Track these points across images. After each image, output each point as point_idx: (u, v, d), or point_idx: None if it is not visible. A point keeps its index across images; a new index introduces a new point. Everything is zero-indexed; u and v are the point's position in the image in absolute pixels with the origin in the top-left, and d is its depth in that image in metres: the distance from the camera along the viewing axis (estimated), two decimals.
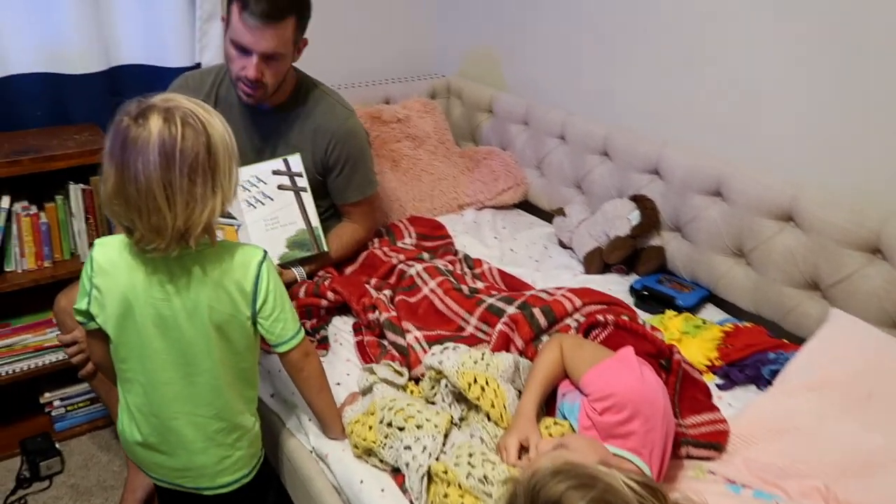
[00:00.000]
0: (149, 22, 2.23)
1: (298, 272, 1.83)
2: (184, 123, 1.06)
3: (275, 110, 1.83)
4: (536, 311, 1.52)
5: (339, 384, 1.55)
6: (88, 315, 1.21)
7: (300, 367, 1.30)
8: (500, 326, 1.52)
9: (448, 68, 2.85)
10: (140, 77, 2.29)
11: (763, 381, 1.56)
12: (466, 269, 1.96)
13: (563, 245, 2.20)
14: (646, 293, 1.89)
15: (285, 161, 1.81)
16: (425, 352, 1.50)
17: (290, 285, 1.82)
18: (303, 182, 1.82)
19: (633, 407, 1.15)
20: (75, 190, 2.04)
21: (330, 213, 1.98)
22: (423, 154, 2.42)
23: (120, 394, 1.28)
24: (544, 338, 1.51)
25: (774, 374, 1.53)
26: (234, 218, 1.79)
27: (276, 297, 1.23)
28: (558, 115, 2.30)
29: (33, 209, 1.99)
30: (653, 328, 1.59)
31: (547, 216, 2.38)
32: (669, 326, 1.70)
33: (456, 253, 2.06)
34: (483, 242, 2.21)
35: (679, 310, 1.82)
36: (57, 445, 2.07)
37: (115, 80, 2.25)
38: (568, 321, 1.53)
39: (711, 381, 1.58)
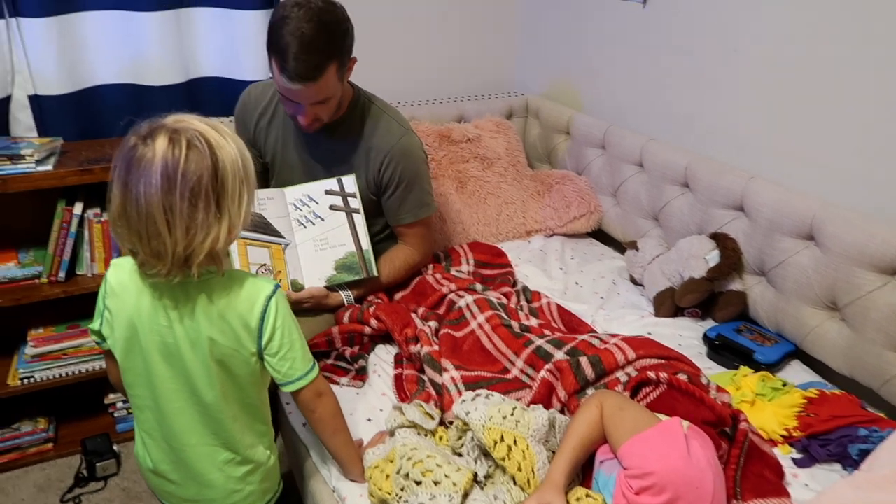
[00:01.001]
0: (226, 36, 2.27)
1: (346, 296, 1.77)
2: (189, 145, 1.01)
3: (331, 129, 1.78)
4: (584, 361, 1.38)
5: (370, 420, 1.48)
6: (101, 336, 1.19)
7: (312, 408, 1.23)
8: (543, 373, 1.39)
9: (528, 86, 2.74)
10: (217, 89, 2.33)
11: (849, 462, 1.34)
12: (524, 303, 1.84)
13: (634, 281, 2.03)
14: (720, 343, 1.69)
15: (339, 181, 1.77)
16: (460, 394, 1.39)
17: (336, 309, 1.77)
18: (356, 203, 1.76)
19: (674, 490, 1.00)
20: None
21: (386, 234, 1.92)
22: (491, 176, 2.32)
23: (135, 419, 1.25)
24: (590, 390, 1.37)
25: (864, 454, 1.30)
26: (282, 236, 1.75)
27: (285, 335, 1.16)
28: (637, 141, 2.14)
29: (105, 216, 2.05)
30: (719, 388, 1.41)
31: (622, 247, 2.21)
32: (742, 386, 1.51)
33: (514, 284, 1.94)
34: (547, 274, 2.08)
35: (757, 366, 1.61)
36: (115, 447, 2.11)
37: (193, 91, 2.30)
38: (618, 374, 1.38)
39: (787, 454, 1.38)
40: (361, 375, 1.60)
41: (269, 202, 1.77)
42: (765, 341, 1.69)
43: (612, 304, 1.92)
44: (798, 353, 1.70)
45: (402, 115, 1.86)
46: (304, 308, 1.71)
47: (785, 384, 1.52)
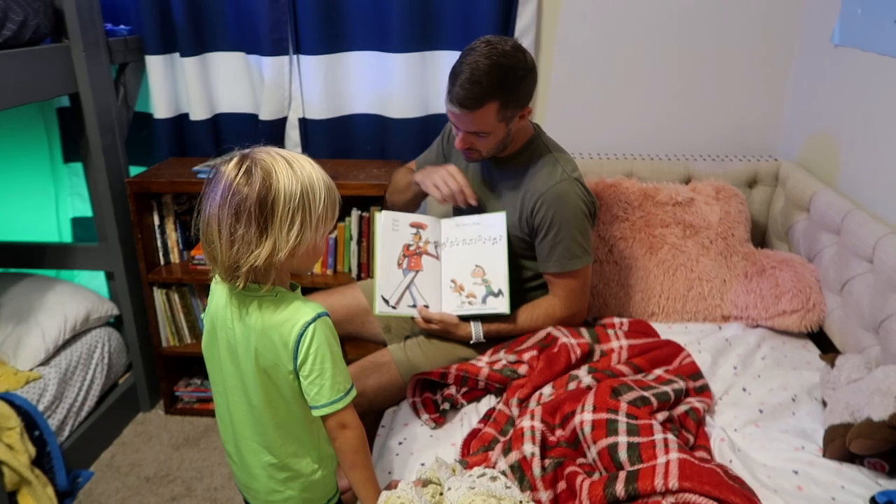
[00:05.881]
0: None
1: (475, 329, 1.77)
2: (248, 170, 1.14)
3: (500, 161, 1.82)
4: (621, 476, 1.17)
5: (423, 464, 1.46)
6: None
7: (334, 437, 1.27)
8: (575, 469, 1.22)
9: (784, 151, 2.35)
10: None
11: None
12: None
13: (826, 405, 1.61)
14: None
15: (487, 216, 1.81)
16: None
17: (464, 339, 1.77)
18: (495, 238, 1.77)
19: None
20: (355, 215, 2.36)
21: (539, 283, 1.87)
22: (690, 246, 2.05)
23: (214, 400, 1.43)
24: None
25: None
26: (437, 259, 1.82)
27: (317, 361, 1.20)
28: (873, 231, 1.68)
29: None
30: None
31: None
32: None
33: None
34: (714, 369, 1.76)
35: None
36: None
37: (429, 126, 2.51)
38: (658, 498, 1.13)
39: None
40: (440, 417, 1.59)
41: (421, 230, 1.86)
42: None
43: (772, 425, 1.54)
44: None
45: (574, 163, 1.80)
46: (433, 331, 1.77)
47: None
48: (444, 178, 1.79)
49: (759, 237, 2.31)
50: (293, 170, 1.17)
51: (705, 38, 2.32)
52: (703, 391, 1.65)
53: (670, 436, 1.30)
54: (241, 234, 1.14)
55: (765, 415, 1.58)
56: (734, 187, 2.15)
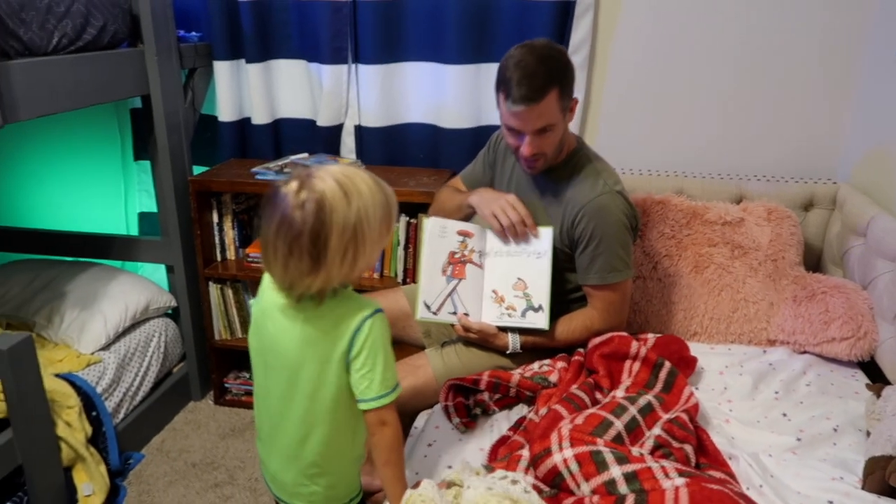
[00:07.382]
0: None
1: (513, 340, 1.78)
2: (303, 204, 1.12)
3: (543, 173, 1.81)
4: (629, 501, 1.17)
5: (450, 467, 1.49)
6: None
7: (372, 432, 1.29)
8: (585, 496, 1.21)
9: (846, 175, 2.28)
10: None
11: None
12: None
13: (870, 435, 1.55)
14: None
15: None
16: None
17: (501, 350, 1.79)
18: (539, 252, 1.78)
19: None
20: (403, 221, 2.41)
21: (580, 295, 1.86)
22: (738, 267, 2.01)
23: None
24: None
25: None
26: (481, 268, 1.83)
27: (370, 355, 1.23)
28: None
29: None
30: None
31: None
32: None
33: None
34: (752, 392, 1.72)
35: None
36: None
37: (480, 137, 2.54)
38: None
39: None
40: (471, 422, 1.61)
41: (468, 238, 1.88)
42: None
43: (810, 454, 1.49)
44: None
45: (616, 176, 1.79)
46: (471, 339, 1.79)
47: None
48: (503, 209, 1.77)
49: (815, 262, 2.25)
50: (348, 200, 1.14)
51: (764, 56, 2.27)
52: (670, 389, 1.59)
53: (664, 462, 1.27)
54: (293, 264, 1.17)
55: (803, 442, 1.54)
56: (787, 209, 2.10)
